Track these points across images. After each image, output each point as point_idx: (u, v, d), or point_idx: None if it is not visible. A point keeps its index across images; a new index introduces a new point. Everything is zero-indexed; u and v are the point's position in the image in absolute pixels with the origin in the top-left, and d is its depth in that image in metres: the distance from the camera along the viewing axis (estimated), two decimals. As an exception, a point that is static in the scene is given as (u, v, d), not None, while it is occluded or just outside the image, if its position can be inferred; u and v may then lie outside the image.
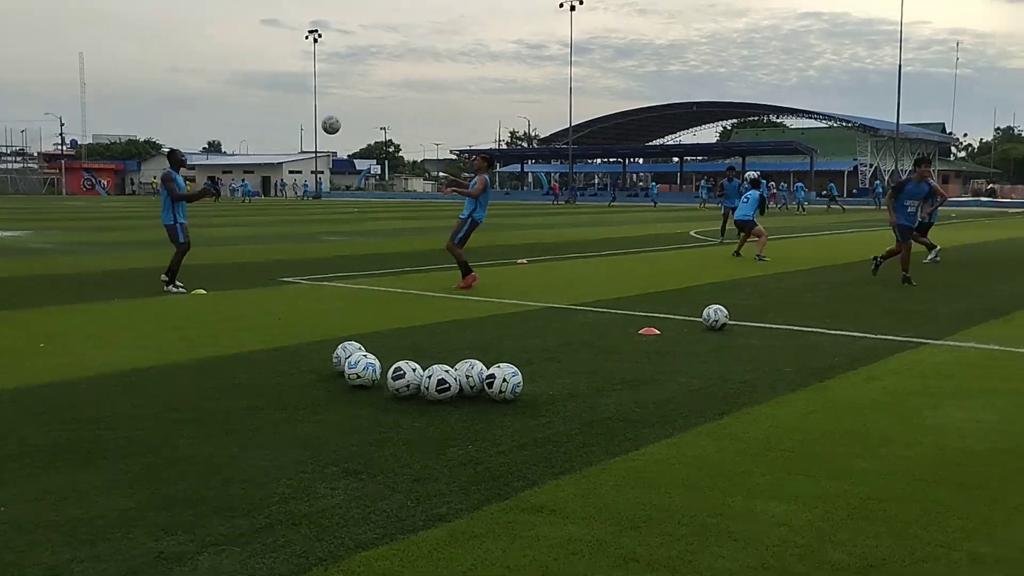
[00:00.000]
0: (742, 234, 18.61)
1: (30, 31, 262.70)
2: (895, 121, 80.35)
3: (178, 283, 12.49)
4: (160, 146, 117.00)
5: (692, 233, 27.88)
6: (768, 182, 49.02)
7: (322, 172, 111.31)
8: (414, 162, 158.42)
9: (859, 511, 4.20)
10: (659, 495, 4.40)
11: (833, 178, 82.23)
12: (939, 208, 17.82)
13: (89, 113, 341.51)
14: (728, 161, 74.92)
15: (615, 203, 70.08)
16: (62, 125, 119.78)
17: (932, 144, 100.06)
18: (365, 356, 6.71)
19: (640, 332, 9.04)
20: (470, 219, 12.90)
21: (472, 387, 6.29)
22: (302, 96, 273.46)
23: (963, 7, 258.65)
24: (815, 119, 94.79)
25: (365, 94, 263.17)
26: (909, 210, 13.46)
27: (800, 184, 60.45)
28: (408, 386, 6.27)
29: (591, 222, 37.13)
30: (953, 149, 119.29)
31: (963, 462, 4.95)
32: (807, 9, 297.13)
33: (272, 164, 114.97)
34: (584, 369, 7.33)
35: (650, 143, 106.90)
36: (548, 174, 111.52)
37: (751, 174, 22.21)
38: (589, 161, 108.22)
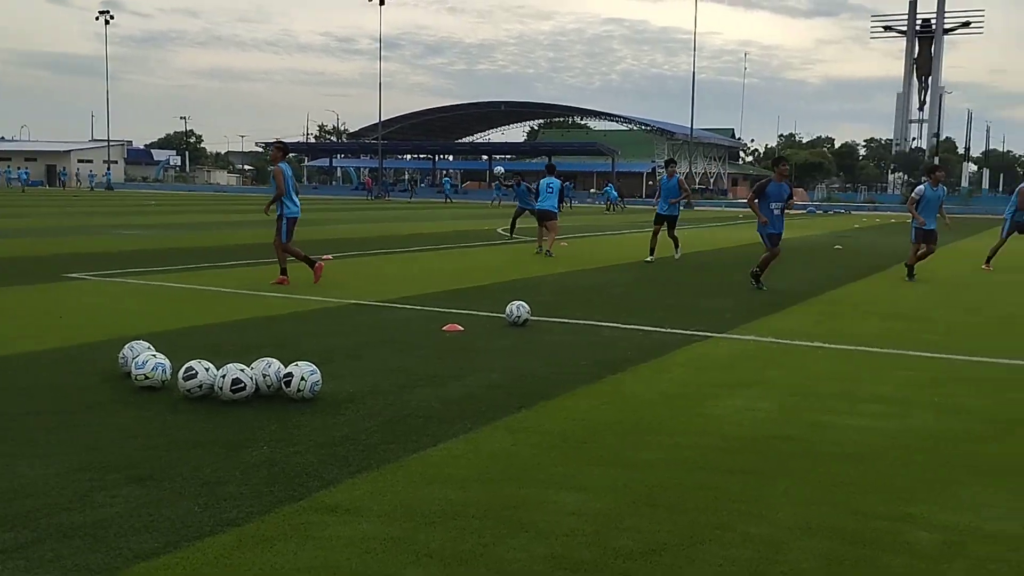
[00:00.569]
0: (542, 227, 19.05)
1: None
2: (690, 126, 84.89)
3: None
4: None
5: (499, 231, 28.29)
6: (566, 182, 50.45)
7: (116, 161, 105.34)
8: (217, 154, 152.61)
9: (645, 498, 4.39)
10: (455, 490, 4.44)
11: (633, 179, 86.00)
12: (682, 203, 18.60)
13: None
14: (538, 160, 76.94)
15: (414, 199, 71.84)
16: None
17: (723, 148, 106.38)
18: (154, 356, 6.39)
19: (444, 328, 9.08)
20: (283, 217, 12.58)
21: (269, 386, 6.12)
22: (94, 80, 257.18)
23: (750, 21, 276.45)
24: (617, 122, 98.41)
25: (165, 81, 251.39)
26: (775, 212, 13.33)
27: (611, 185, 62.73)
28: (200, 386, 6.02)
29: (400, 217, 36.98)
30: (741, 153, 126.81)
31: (741, 449, 5.28)
32: (610, 15, 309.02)
33: (59, 152, 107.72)
34: (386, 366, 7.28)
35: (460, 140, 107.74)
36: (358, 169, 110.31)
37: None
38: (399, 157, 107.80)
